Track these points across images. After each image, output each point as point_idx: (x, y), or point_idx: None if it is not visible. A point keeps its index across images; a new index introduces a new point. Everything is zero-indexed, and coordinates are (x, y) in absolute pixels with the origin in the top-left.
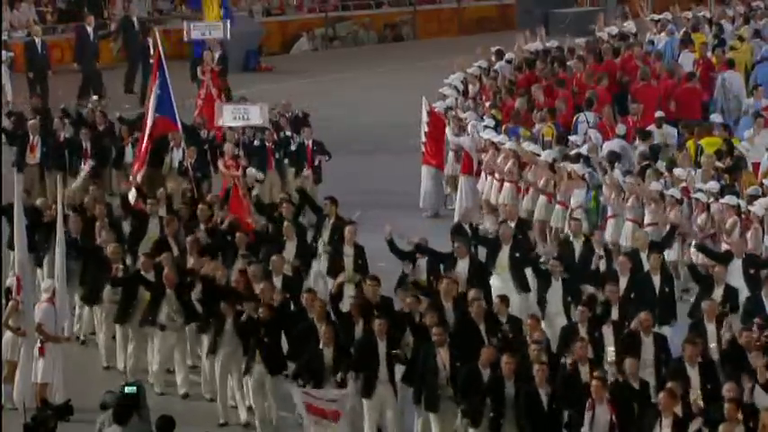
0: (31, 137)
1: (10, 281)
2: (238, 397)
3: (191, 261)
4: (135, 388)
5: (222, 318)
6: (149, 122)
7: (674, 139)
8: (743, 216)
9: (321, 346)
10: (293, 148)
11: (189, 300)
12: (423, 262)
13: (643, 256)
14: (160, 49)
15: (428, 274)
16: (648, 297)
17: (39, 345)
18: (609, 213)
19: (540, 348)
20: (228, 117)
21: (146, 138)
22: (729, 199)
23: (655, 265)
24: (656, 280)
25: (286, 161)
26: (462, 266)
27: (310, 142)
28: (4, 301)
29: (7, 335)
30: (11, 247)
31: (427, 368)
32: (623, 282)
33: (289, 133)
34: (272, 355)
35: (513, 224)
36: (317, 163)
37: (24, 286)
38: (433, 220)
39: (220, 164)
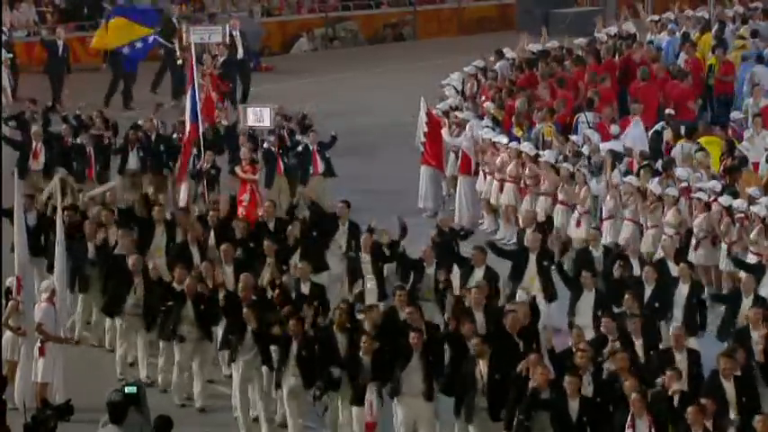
0: (35, 143)
1: (10, 281)
2: (260, 407)
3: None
4: (135, 388)
5: (243, 326)
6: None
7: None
8: (740, 216)
9: (361, 355)
10: (299, 149)
11: (206, 311)
12: (430, 270)
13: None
14: (193, 52)
15: (435, 284)
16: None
17: (39, 345)
18: (605, 215)
19: (587, 357)
20: (251, 118)
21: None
22: (725, 200)
23: (684, 274)
24: (684, 288)
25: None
26: (479, 275)
27: (315, 146)
28: (3, 301)
29: (7, 335)
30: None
31: (468, 380)
32: (648, 291)
33: (299, 137)
34: (309, 368)
35: (531, 230)
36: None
37: (24, 286)
38: (433, 220)
39: (238, 169)
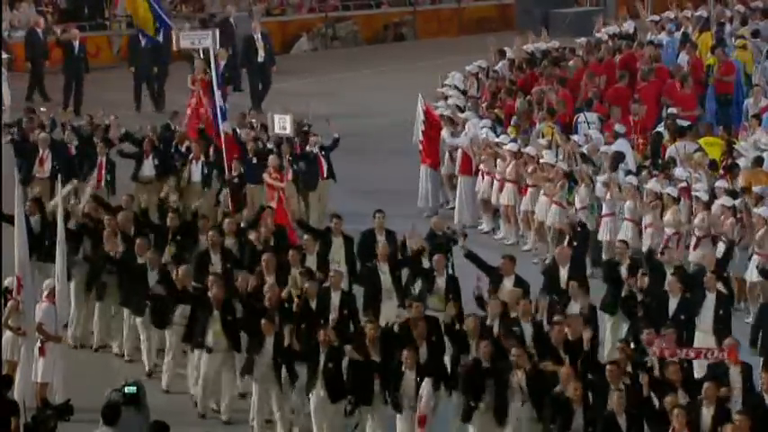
0: (41, 150)
1: (9, 281)
2: (277, 416)
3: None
4: (135, 388)
5: (261, 336)
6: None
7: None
8: (741, 216)
9: (403, 369)
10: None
11: (234, 321)
12: (441, 281)
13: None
14: (212, 56)
15: (446, 292)
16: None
17: (39, 344)
18: (604, 212)
19: (646, 375)
20: (277, 126)
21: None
22: (726, 200)
23: (711, 285)
24: (711, 298)
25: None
26: (508, 284)
27: (317, 148)
28: (3, 301)
29: (7, 335)
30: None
31: (500, 385)
32: (673, 303)
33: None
34: (336, 382)
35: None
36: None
37: (24, 286)
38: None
39: (265, 175)
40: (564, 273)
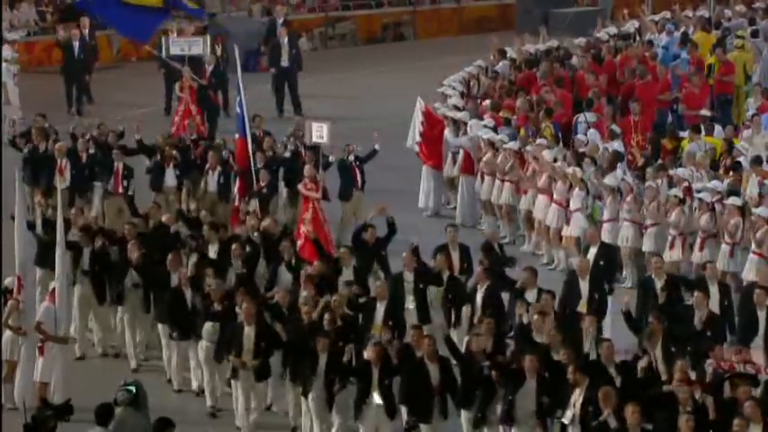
0: (59, 160)
1: (9, 281)
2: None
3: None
4: (134, 388)
5: (315, 356)
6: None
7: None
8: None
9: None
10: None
11: (266, 338)
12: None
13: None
14: (238, 61)
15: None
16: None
17: (39, 344)
18: (606, 216)
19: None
20: (315, 134)
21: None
22: (733, 200)
23: (761, 301)
24: (762, 316)
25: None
26: (531, 299)
27: (352, 158)
28: (3, 301)
29: (7, 334)
30: (38, 263)
31: (555, 403)
32: (698, 316)
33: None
34: (390, 398)
35: (595, 250)
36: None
37: (25, 286)
38: (434, 220)
39: (300, 186)
40: (585, 285)
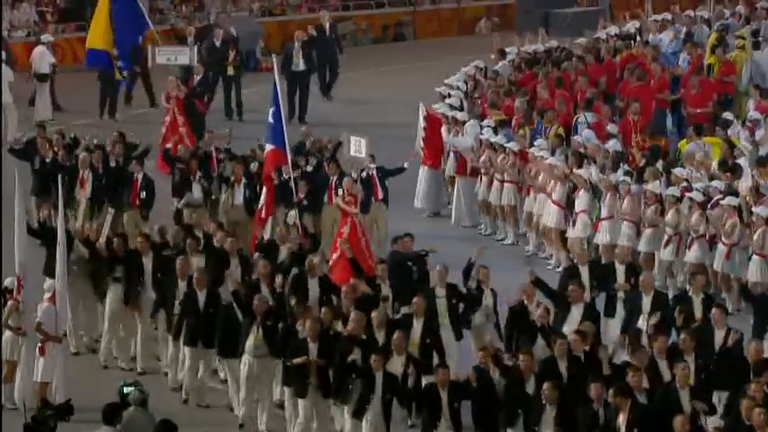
0: (81, 171)
1: (9, 281)
2: None
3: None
4: (134, 388)
5: (371, 375)
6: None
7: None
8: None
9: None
10: (363, 176)
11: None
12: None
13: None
14: (275, 68)
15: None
16: None
17: (39, 344)
18: (604, 214)
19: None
20: (353, 148)
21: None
22: (730, 200)
23: None
24: None
25: None
26: (576, 314)
27: (374, 170)
28: (3, 301)
29: (7, 334)
30: (46, 273)
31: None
32: (719, 336)
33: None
34: (459, 421)
35: (623, 267)
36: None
37: (25, 286)
38: (433, 220)
39: (338, 199)
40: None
